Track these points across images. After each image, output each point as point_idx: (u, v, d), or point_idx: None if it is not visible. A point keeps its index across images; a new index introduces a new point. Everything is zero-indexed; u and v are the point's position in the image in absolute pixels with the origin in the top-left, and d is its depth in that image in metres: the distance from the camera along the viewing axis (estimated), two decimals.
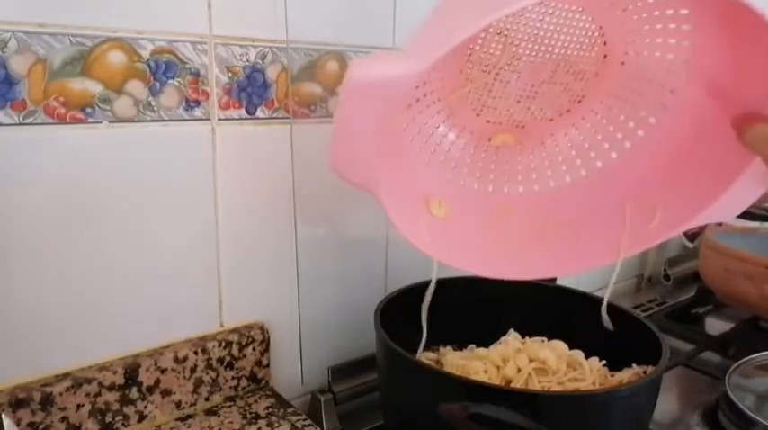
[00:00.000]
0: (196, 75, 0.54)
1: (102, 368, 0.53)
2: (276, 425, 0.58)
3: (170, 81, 0.53)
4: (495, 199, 0.55)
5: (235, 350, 0.60)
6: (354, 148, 0.43)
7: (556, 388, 0.55)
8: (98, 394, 0.52)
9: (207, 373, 0.59)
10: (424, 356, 0.63)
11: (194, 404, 0.59)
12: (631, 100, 0.51)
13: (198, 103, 0.55)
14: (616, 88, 0.51)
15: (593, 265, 0.52)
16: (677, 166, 0.49)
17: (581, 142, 0.55)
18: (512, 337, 0.62)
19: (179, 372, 0.57)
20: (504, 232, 0.54)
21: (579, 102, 0.53)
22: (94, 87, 0.49)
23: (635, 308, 1.01)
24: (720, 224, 1.22)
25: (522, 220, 0.54)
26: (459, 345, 0.65)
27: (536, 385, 0.55)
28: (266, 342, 0.63)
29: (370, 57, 0.38)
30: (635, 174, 0.52)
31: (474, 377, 0.55)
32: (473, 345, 0.64)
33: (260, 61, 0.58)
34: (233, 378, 0.61)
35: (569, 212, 0.54)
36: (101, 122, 0.50)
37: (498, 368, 0.57)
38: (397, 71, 0.36)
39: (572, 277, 0.68)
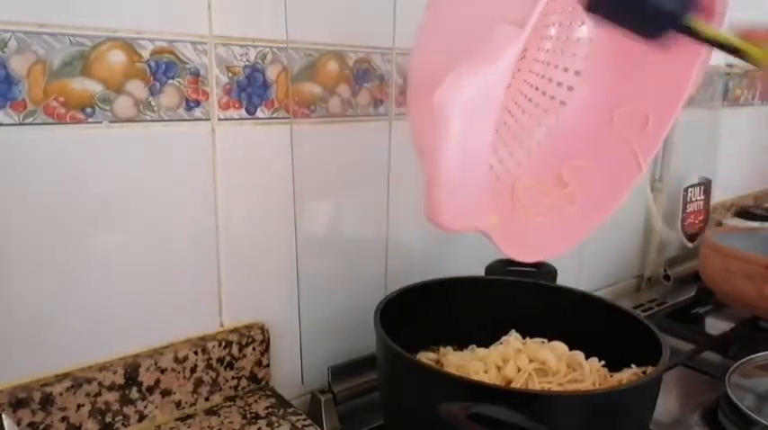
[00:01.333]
0: (196, 75, 0.54)
1: (102, 368, 0.53)
2: (276, 425, 0.58)
3: (170, 81, 0.53)
4: (504, 181, 0.55)
5: (235, 350, 0.60)
6: (457, 190, 0.37)
7: (556, 389, 0.55)
8: (98, 394, 0.52)
9: (207, 373, 0.59)
10: (424, 356, 0.63)
11: (194, 404, 0.59)
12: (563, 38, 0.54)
13: (198, 103, 0.55)
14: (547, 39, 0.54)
15: (624, 189, 0.53)
16: (639, 70, 0.52)
17: (535, 91, 0.56)
18: (512, 337, 0.62)
19: (179, 372, 0.57)
20: (530, 209, 0.54)
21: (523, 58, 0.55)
22: (94, 87, 0.49)
23: (635, 308, 1.01)
24: (721, 225, 1.22)
25: (536, 189, 0.55)
26: (460, 346, 0.65)
27: (536, 386, 0.55)
28: (266, 342, 0.63)
29: (450, 79, 0.33)
30: (606, 94, 0.54)
31: (474, 377, 0.55)
32: (473, 346, 0.64)
33: (260, 61, 0.58)
34: (233, 378, 0.61)
35: (573, 156, 0.55)
36: (101, 122, 0.50)
37: (498, 368, 0.57)
38: (495, 63, 0.32)
39: (572, 277, 0.68)
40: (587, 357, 0.59)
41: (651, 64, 0.51)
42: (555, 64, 0.55)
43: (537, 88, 0.55)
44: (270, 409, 0.60)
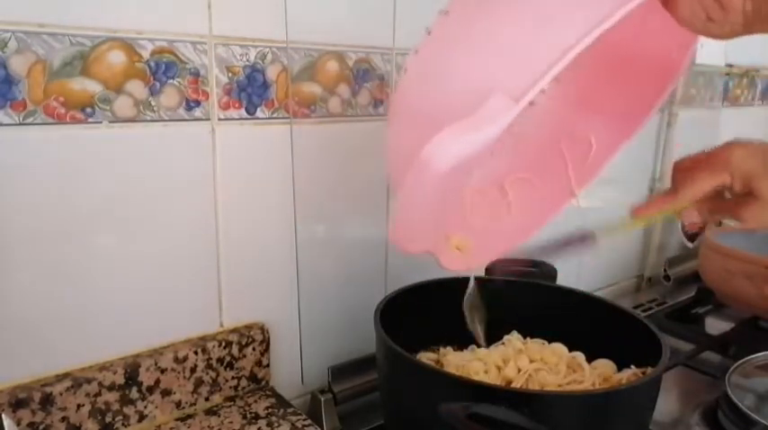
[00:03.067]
0: (196, 75, 0.54)
1: (102, 368, 0.53)
2: (276, 425, 0.58)
3: (170, 81, 0.53)
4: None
5: (235, 350, 0.60)
6: (423, 223, 0.42)
7: (555, 390, 0.55)
8: (98, 394, 0.52)
9: (207, 373, 0.59)
10: (424, 356, 0.63)
11: (194, 404, 0.59)
12: None
13: (198, 103, 0.55)
14: None
15: (554, 211, 0.54)
16: (595, 97, 0.53)
17: None
18: (513, 338, 0.62)
19: (179, 372, 0.57)
20: (477, 216, 0.55)
21: None
22: (94, 87, 0.49)
23: (635, 308, 1.01)
24: (721, 225, 1.22)
25: (481, 195, 0.56)
26: (460, 346, 0.65)
27: (536, 386, 0.55)
28: (266, 342, 0.63)
29: (439, 139, 0.35)
30: (558, 113, 0.55)
31: (474, 377, 0.55)
32: (474, 346, 0.64)
33: (260, 61, 0.58)
34: (233, 378, 0.61)
35: (520, 167, 0.56)
36: (101, 122, 0.50)
37: (499, 368, 0.57)
38: (484, 130, 0.34)
39: (572, 277, 0.68)
40: (587, 357, 0.59)
41: (609, 106, 0.53)
42: None
43: None
44: (270, 409, 0.60)
